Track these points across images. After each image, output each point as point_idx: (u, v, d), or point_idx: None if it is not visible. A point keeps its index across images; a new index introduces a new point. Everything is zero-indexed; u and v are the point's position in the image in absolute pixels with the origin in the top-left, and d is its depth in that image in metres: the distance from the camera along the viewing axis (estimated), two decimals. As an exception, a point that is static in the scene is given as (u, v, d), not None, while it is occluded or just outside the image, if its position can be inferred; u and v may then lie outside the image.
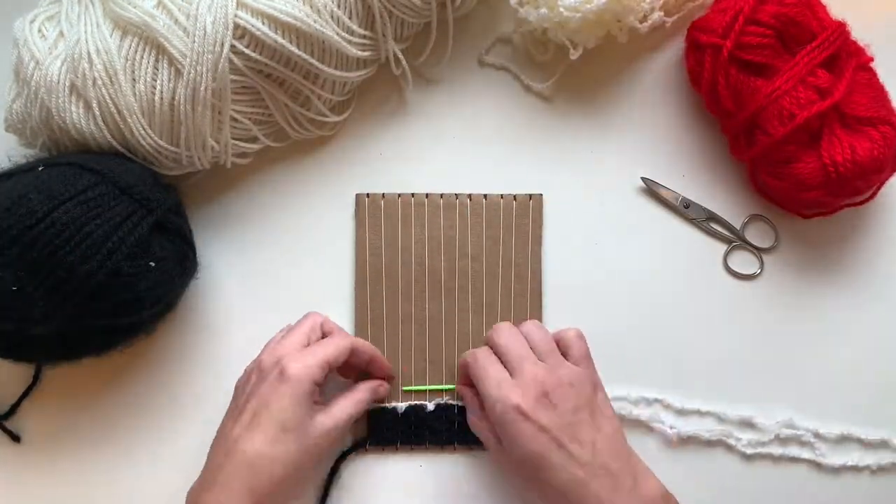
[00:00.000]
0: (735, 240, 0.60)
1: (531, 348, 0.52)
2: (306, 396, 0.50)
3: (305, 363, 0.50)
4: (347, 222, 0.60)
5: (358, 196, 0.60)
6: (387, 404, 0.58)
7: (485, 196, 0.59)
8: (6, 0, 0.58)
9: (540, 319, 0.59)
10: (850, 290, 0.60)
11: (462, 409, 0.58)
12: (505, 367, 0.52)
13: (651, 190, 0.60)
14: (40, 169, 0.50)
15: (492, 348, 0.53)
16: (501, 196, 0.59)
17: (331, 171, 0.60)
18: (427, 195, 0.59)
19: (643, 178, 0.60)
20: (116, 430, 0.58)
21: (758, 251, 0.60)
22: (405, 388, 0.58)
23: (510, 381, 0.50)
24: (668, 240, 0.60)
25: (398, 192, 0.59)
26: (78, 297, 0.48)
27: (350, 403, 0.53)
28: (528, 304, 0.59)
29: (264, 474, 0.48)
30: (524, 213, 0.59)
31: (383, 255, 0.59)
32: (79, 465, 0.58)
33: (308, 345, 0.53)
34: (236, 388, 0.53)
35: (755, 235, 0.60)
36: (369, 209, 0.59)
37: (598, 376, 0.53)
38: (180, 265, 0.53)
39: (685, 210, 0.60)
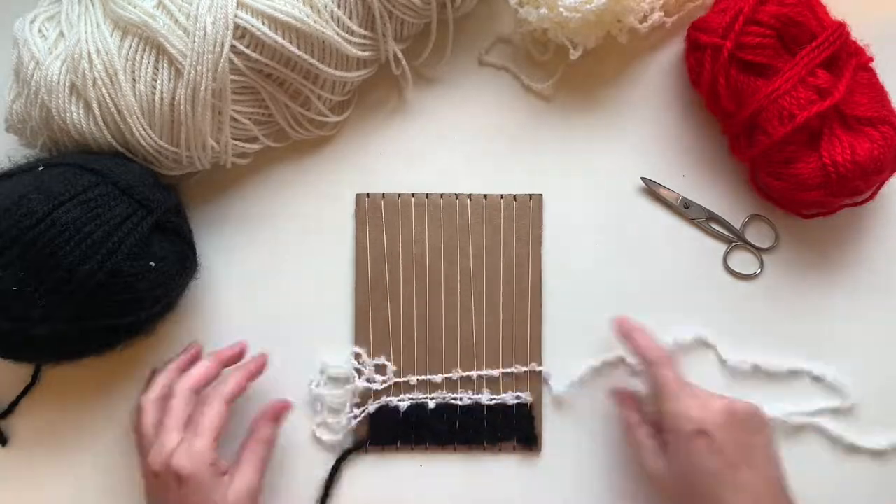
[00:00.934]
0: (735, 240, 0.60)
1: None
2: (212, 483, 0.49)
3: (196, 453, 0.48)
4: (347, 222, 0.60)
5: (358, 196, 0.60)
6: (388, 402, 0.58)
7: (485, 196, 0.59)
8: (6, 0, 0.58)
9: (540, 319, 0.59)
10: (850, 290, 0.60)
11: (462, 410, 0.58)
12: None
13: (651, 190, 0.60)
14: (40, 169, 0.50)
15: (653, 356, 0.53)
16: (501, 196, 0.59)
17: (331, 171, 0.60)
18: (427, 195, 0.59)
19: (643, 179, 0.60)
20: (115, 430, 0.58)
21: (758, 251, 0.60)
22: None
23: (695, 400, 0.51)
24: (668, 240, 0.60)
25: (398, 192, 0.59)
26: (78, 298, 0.48)
27: (254, 453, 0.52)
28: (528, 304, 0.59)
29: None
30: (524, 213, 0.59)
31: (383, 255, 0.59)
32: (75, 466, 0.58)
33: (187, 421, 0.50)
34: (145, 490, 0.51)
35: (755, 235, 0.60)
36: (369, 209, 0.59)
37: (768, 420, 0.52)
38: (180, 265, 0.53)
39: (685, 210, 0.60)
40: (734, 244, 0.60)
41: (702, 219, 0.60)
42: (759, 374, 0.59)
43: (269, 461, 0.53)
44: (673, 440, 0.51)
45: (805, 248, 0.60)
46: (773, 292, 0.60)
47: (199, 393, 0.52)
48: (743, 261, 0.60)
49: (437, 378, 0.58)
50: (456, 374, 0.58)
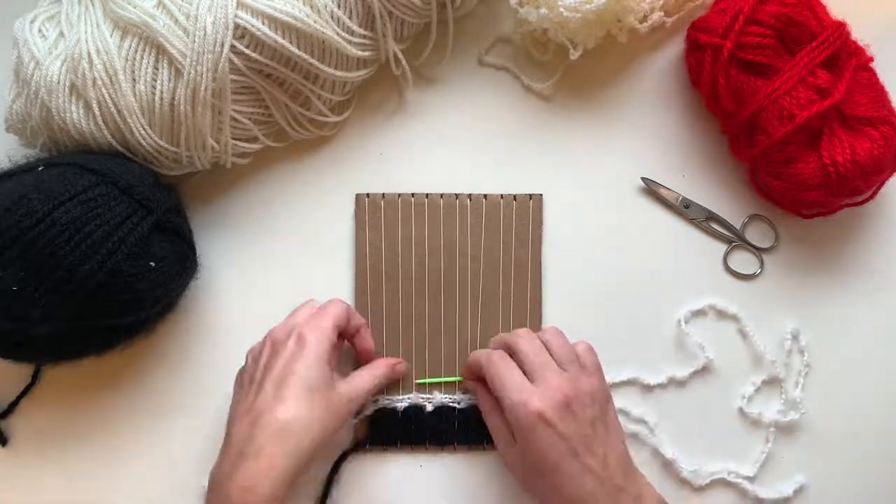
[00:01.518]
0: (735, 240, 0.60)
1: (551, 356, 0.52)
2: (326, 358, 0.51)
3: (319, 326, 0.51)
4: (347, 222, 0.60)
5: (358, 196, 0.60)
6: (387, 403, 0.58)
7: (485, 196, 0.59)
8: (6, 0, 0.58)
9: (540, 319, 0.59)
10: (850, 290, 0.60)
11: (462, 411, 0.58)
12: (524, 372, 0.51)
13: (651, 190, 0.60)
14: (40, 169, 0.50)
15: (510, 353, 0.53)
16: (501, 196, 0.59)
17: (331, 171, 0.60)
18: (427, 195, 0.59)
19: (643, 179, 0.60)
20: (115, 430, 0.58)
21: (758, 251, 0.60)
22: (419, 381, 0.58)
23: (531, 387, 0.50)
24: (668, 240, 0.60)
25: (398, 192, 0.59)
26: (78, 298, 0.48)
27: (369, 376, 0.54)
28: (528, 304, 0.59)
29: (302, 436, 0.48)
30: (524, 213, 0.59)
31: (383, 255, 0.59)
32: (75, 466, 0.58)
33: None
34: (244, 369, 0.53)
35: (755, 235, 0.60)
36: (369, 209, 0.59)
37: (609, 389, 0.53)
38: (180, 265, 0.53)
39: (685, 210, 0.60)
40: (734, 244, 0.60)
41: (702, 219, 0.60)
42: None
43: (372, 395, 0.55)
44: (516, 430, 0.50)
45: (805, 247, 0.60)
46: (773, 292, 0.59)
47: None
48: (743, 261, 0.60)
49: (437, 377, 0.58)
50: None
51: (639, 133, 0.61)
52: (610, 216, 0.60)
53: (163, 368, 0.58)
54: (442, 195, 0.60)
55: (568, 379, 0.50)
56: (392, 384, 0.58)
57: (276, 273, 0.59)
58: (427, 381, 0.58)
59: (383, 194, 0.59)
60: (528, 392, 0.50)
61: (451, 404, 0.58)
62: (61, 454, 0.58)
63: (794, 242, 0.60)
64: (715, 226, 0.60)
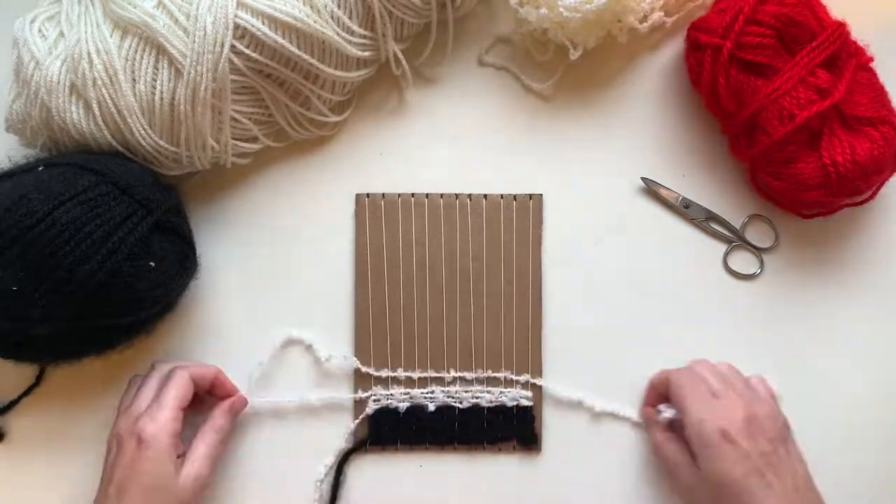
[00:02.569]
0: (735, 240, 0.60)
1: (727, 384, 0.53)
2: (168, 454, 0.50)
3: (159, 420, 0.50)
4: (347, 222, 0.60)
5: (358, 196, 0.60)
6: (388, 405, 0.58)
7: (485, 196, 0.59)
8: (6, 0, 0.58)
9: (540, 319, 0.59)
10: (850, 290, 0.60)
11: (463, 411, 0.58)
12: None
13: (651, 190, 0.60)
14: (40, 169, 0.50)
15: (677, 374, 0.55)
16: (501, 196, 0.59)
17: (331, 171, 0.60)
18: (427, 195, 0.59)
19: (643, 179, 0.60)
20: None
21: (758, 251, 0.60)
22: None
23: (716, 403, 0.51)
24: (668, 240, 0.60)
25: (398, 192, 0.59)
26: (78, 298, 0.48)
27: (206, 441, 0.53)
28: (527, 304, 0.59)
29: None
30: (524, 213, 0.59)
31: (383, 255, 0.59)
32: (75, 466, 0.58)
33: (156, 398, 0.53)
34: (104, 464, 0.52)
35: (755, 235, 0.60)
36: (369, 209, 0.59)
37: (786, 419, 0.54)
38: (180, 265, 0.53)
39: (685, 210, 0.60)
40: (734, 244, 0.60)
41: (702, 219, 0.60)
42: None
43: (221, 453, 0.55)
44: (699, 449, 0.51)
45: (805, 247, 0.60)
46: (773, 292, 0.59)
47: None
48: (743, 261, 0.60)
49: (437, 376, 0.58)
50: (455, 374, 0.58)
51: (638, 133, 0.61)
52: (610, 216, 0.60)
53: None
54: (442, 195, 0.60)
55: (748, 399, 0.52)
56: (394, 381, 0.58)
57: (275, 273, 0.59)
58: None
59: (383, 194, 0.59)
60: (714, 409, 0.51)
61: (452, 404, 0.58)
62: (60, 453, 0.58)
63: (794, 242, 0.60)
64: (715, 226, 0.60)
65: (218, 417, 0.55)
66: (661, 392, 0.56)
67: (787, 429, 0.53)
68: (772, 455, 0.50)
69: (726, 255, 0.60)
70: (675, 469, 0.53)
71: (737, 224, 0.60)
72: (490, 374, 0.58)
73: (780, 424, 0.52)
